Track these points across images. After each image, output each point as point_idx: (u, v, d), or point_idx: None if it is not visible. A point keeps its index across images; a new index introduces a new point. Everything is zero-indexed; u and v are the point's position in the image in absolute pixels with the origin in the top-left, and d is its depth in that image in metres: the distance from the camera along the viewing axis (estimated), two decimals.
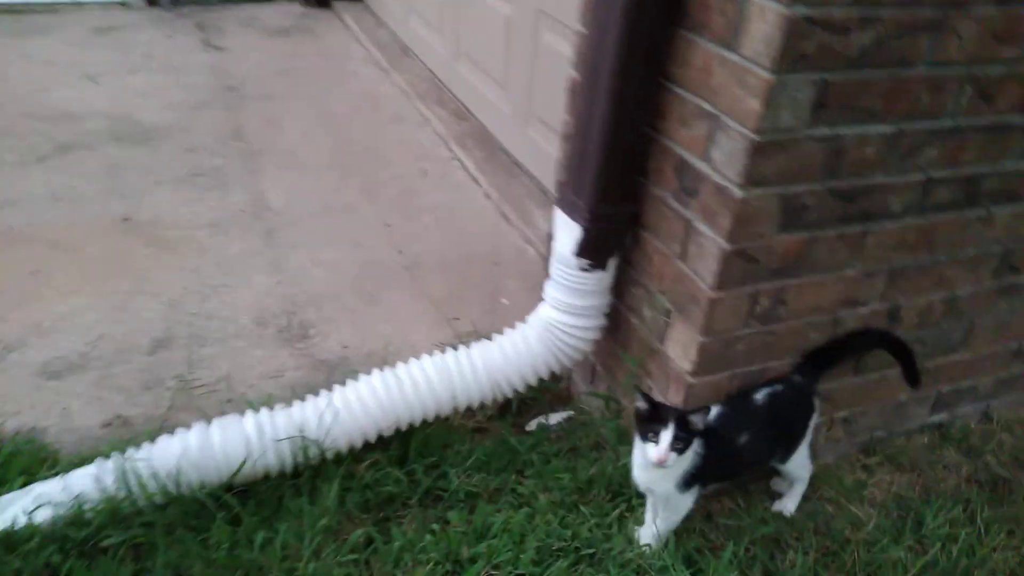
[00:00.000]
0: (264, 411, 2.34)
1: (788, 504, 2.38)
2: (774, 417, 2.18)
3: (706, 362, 2.18)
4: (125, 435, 2.51)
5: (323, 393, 2.41)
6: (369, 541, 2.15)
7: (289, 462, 2.30)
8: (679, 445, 1.92)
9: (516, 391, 2.56)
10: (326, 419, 2.31)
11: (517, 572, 2.02)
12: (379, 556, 2.09)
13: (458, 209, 3.99)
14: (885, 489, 2.54)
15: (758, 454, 2.22)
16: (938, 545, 2.25)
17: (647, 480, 2.08)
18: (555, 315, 2.44)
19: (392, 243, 3.68)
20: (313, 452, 2.31)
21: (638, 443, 2.01)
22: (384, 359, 2.94)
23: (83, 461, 2.25)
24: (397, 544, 2.10)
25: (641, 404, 1.96)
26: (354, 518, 2.23)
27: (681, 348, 2.22)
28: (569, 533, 2.17)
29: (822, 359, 2.31)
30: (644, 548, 2.15)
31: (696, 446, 2.01)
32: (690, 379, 2.21)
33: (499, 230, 3.81)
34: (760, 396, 2.19)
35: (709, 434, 2.05)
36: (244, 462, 2.22)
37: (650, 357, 2.40)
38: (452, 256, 3.61)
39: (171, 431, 2.29)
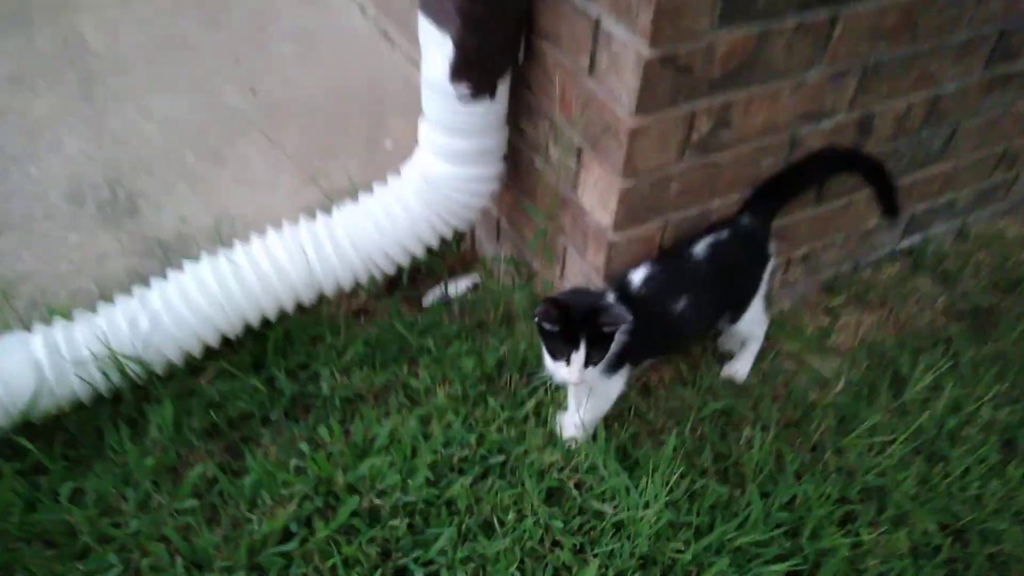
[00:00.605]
0: (59, 324, 1.77)
1: (740, 367, 1.98)
2: (719, 272, 1.71)
3: (630, 211, 1.67)
4: None
5: (143, 290, 1.85)
6: (216, 478, 1.68)
7: (103, 386, 1.77)
8: (596, 358, 1.50)
9: (399, 265, 2.02)
10: (141, 326, 1.76)
11: (407, 500, 1.58)
12: (227, 497, 1.63)
13: (326, 32, 3.23)
14: (852, 333, 2.16)
15: (701, 321, 1.77)
16: (918, 404, 1.89)
17: (564, 375, 1.63)
18: (436, 164, 1.86)
19: (243, 83, 2.95)
20: (134, 370, 1.78)
21: (546, 356, 1.54)
22: (234, 234, 2.35)
23: None
24: (251, 479, 1.64)
25: (546, 324, 1.48)
26: (196, 449, 1.75)
27: (597, 196, 1.70)
28: (474, 438, 1.73)
29: (777, 192, 1.82)
30: (568, 443, 1.74)
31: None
32: (611, 235, 1.70)
33: (380, 54, 3.10)
34: (700, 248, 1.71)
35: (638, 304, 1.58)
36: (34, 395, 1.68)
37: (562, 209, 1.88)
38: (320, 94, 2.92)
39: None
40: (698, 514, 1.62)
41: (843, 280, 2.29)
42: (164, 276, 1.88)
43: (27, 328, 1.81)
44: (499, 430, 1.77)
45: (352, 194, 2.05)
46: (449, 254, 2.36)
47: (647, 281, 1.66)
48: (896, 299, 2.27)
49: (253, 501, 1.63)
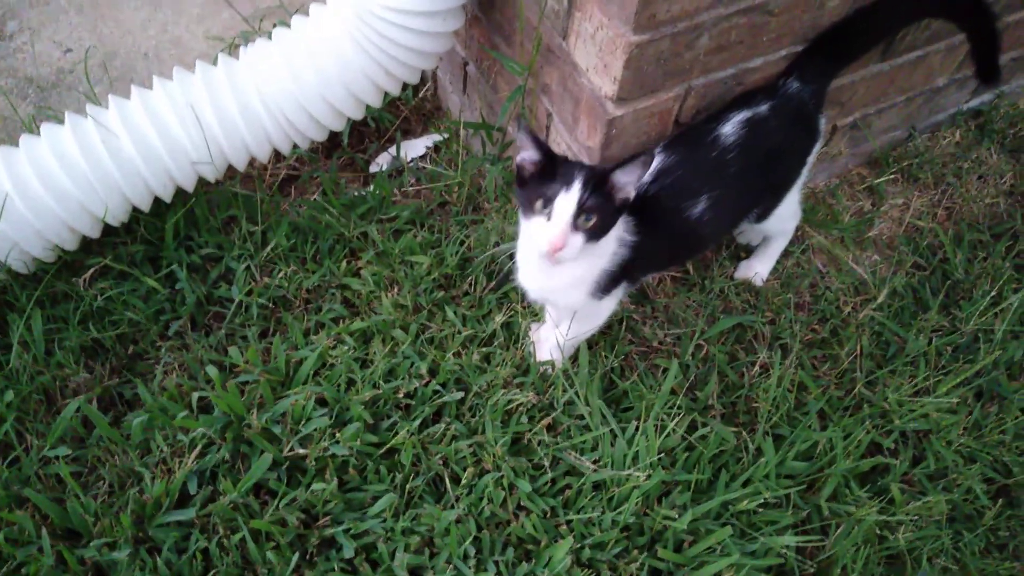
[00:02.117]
0: None
1: (760, 268, 1.63)
2: (754, 159, 1.31)
3: (640, 76, 1.24)
4: None
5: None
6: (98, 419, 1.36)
7: None
8: (592, 222, 1.09)
9: (329, 129, 1.58)
10: None
11: (337, 451, 1.28)
12: (111, 443, 1.32)
13: None
14: (897, 220, 1.78)
15: (725, 223, 1.39)
16: (974, 323, 1.56)
17: (541, 288, 1.27)
18: None
19: None
20: None
21: (523, 222, 1.14)
22: (129, 72, 1.87)
23: None
24: (140, 420, 1.32)
25: (527, 153, 1.10)
26: (72, 378, 1.41)
27: (596, 51, 1.25)
28: (425, 366, 1.40)
29: (842, 46, 1.37)
30: (543, 367, 1.42)
31: (624, 228, 1.19)
32: (612, 108, 1.27)
33: None
34: (731, 127, 1.29)
35: (645, 208, 1.20)
36: None
37: (546, 62, 1.42)
38: None
39: None
40: (697, 467, 1.34)
41: (892, 150, 1.88)
42: (34, 130, 1.44)
43: None
44: (457, 354, 1.44)
45: (282, 19, 1.56)
46: (404, 102, 1.90)
47: (658, 176, 1.25)
48: (952, 176, 1.87)
49: (144, 448, 1.32)
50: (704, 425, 1.38)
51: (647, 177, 1.24)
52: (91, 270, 1.50)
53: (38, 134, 1.43)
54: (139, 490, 1.26)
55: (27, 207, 1.39)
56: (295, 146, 1.58)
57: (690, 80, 1.31)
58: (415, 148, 1.87)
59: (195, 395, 1.37)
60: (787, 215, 1.51)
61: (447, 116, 1.93)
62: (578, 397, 1.38)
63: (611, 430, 1.35)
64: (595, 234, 1.12)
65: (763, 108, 1.32)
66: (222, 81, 1.45)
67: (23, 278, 1.47)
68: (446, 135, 1.86)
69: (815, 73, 1.37)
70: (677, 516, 1.26)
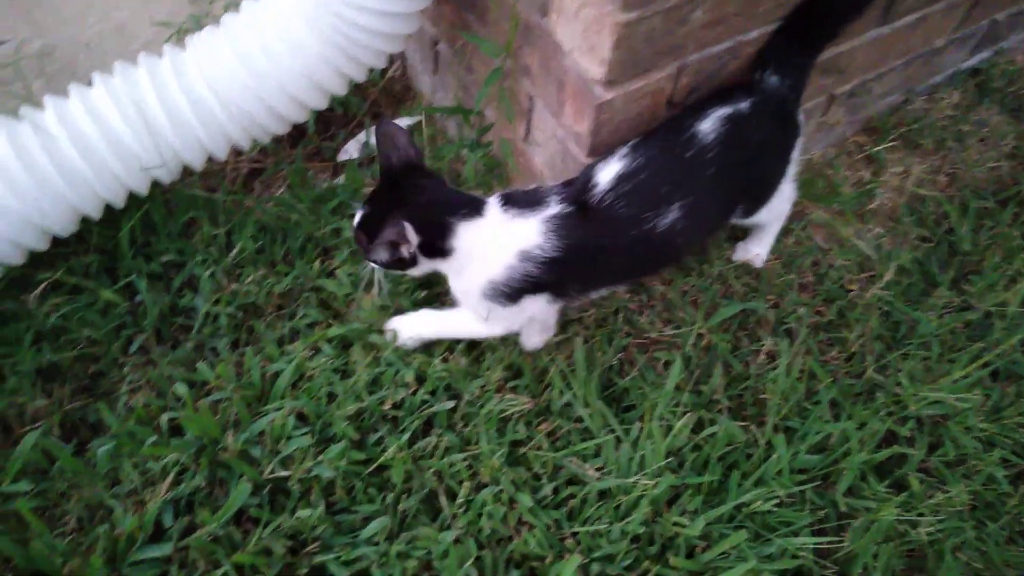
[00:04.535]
0: None
1: (758, 248, 1.58)
2: (735, 159, 1.26)
3: (632, 56, 1.18)
4: None
5: None
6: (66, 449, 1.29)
7: None
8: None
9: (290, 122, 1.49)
10: None
11: (322, 473, 1.22)
12: (75, 475, 1.25)
13: None
14: (898, 189, 1.74)
15: (700, 231, 1.34)
16: (986, 297, 1.53)
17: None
18: None
19: None
20: None
21: None
22: (70, 64, 1.76)
23: None
24: (105, 448, 1.25)
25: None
26: (29, 405, 1.33)
27: (581, 30, 1.18)
28: (411, 373, 1.34)
29: (815, 26, 1.30)
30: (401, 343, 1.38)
31: (531, 242, 1.18)
32: (601, 92, 1.20)
33: None
34: (709, 125, 1.23)
35: (599, 220, 1.19)
36: None
37: (525, 42, 1.34)
38: None
39: None
40: (706, 468, 1.29)
41: (890, 116, 1.83)
42: None
43: None
44: (444, 359, 1.38)
45: (234, 0, 1.46)
46: (372, 84, 1.81)
47: (620, 181, 1.19)
48: (954, 140, 1.83)
49: (113, 478, 1.25)
50: (711, 422, 1.34)
51: (606, 183, 1.19)
52: (41, 286, 1.41)
53: None
54: (109, 525, 1.19)
55: None
56: (254, 140, 1.50)
57: (684, 57, 1.25)
58: None
59: (164, 416, 1.30)
60: (778, 204, 1.46)
61: (418, 98, 1.85)
62: (576, 399, 1.33)
63: (614, 434, 1.30)
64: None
65: (743, 105, 1.26)
66: (169, 75, 1.36)
67: None
68: (419, 118, 1.78)
69: (793, 65, 1.31)
70: (688, 522, 1.22)
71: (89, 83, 1.37)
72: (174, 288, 1.47)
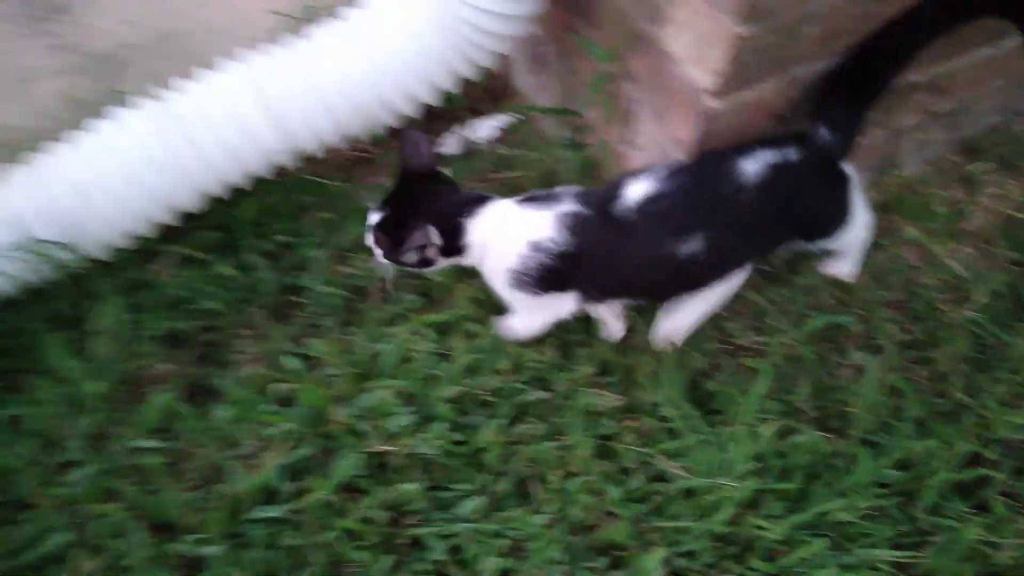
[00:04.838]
0: None
1: (847, 267, 1.60)
2: (774, 205, 1.29)
3: (743, 69, 1.22)
4: None
5: (67, 146, 1.44)
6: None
7: (31, 277, 1.43)
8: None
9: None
10: (65, 201, 1.38)
11: (422, 452, 1.30)
12: (198, 435, 1.35)
13: None
14: (993, 210, 1.74)
15: (724, 262, 1.35)
16: None
17: None
18: None
19: None
20: (65, 258, 1.43)
21: None
22: (193, 48, 1.87)
23: None
24: (225, 414, 1.35)
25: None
26: (158, 361, 1.44)
27: (693, 41, 1.23)
28: (508, 361, 1.41)
29: (863, 81, 1.29)
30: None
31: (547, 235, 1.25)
32: (710, 101, 1.25)
33: None
34: (753, 166, 1.26)
35: (616, 230, 1.25)
36: None
37: (634, 49, 1.39)
38: None
39: None
40: (789, 473, 1.34)
41: (988, 136, 1.83)
42: (99, 109, 1.46)
43: None
44: (539, 351, 1.44)
45: None
46: (471, 82, 1.88)
47: (648, 203, 1.24)
48: None
49: (231, 440, 1.36)
50: (796, 431, 1.38)
51: (634, 200, 1.24)
52: (168, 258, 1.52)
53: (106, 117, 1.45)
54: (228, 484, 1.29)
55: (104, 195, 1.41)
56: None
57: (794, 69, 1.28)
58: (485, 129, 1.86)
59: (277, 387, 1.39)
60: (851, 233, 1.46)
61: (519, 97, 1.91)
62: (664, 399, 1.39)
63: (701, 436, 1.35)
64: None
65: (791, 155, 1.28)
66: (292, 63, 1.45)
67: (102, 266, 1.49)
68: (520, 117, 1.84)
69: (843, 119, 1.30)
70: (770, 526, 1.27)
71: (211, 68, 1.47)
72: (287, 267, 1.56)
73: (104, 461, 1.32)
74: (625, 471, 1.33)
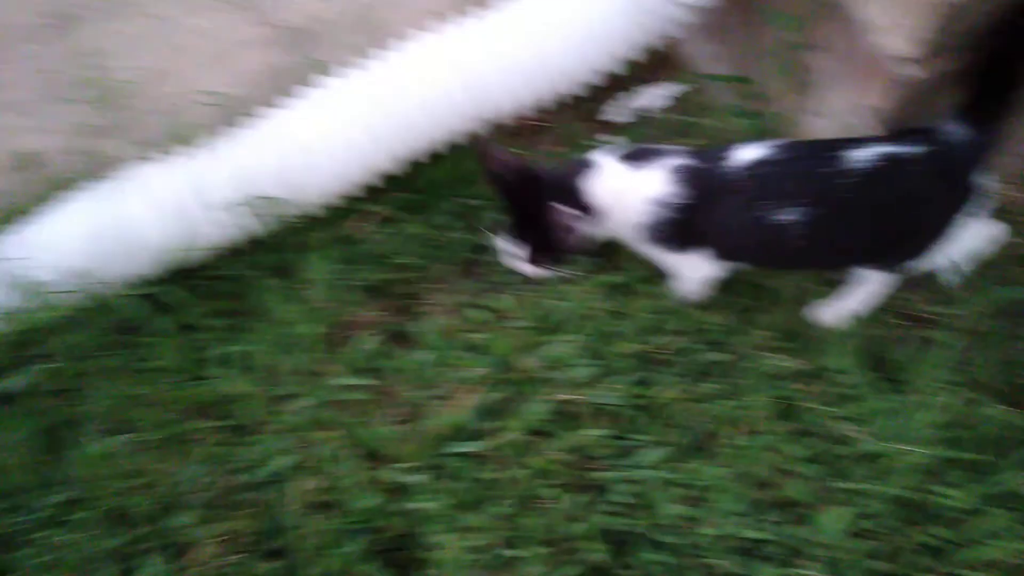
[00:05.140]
0: (200, 155, 1.58)
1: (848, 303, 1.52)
2: (872, 199, 1.28)
3: (942, 36, 1.21)
4: (35, 184, 1.84)
5: (286, 110, 1.60)
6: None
7: (254, 229, 1.61)
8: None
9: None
10: (288, 159, 1.54)
11: (606, 401, 1.39)
12: (400, 375, 1.49)
13: None
14: None
15: (819, 242, 1.34)
16: None
17: None
18: None
19: None
20: (286, 212, 1.60)
21: None
22: (377, 26, 2.01)
23: None
24: (426, 357, 1.49)
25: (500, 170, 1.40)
26: (362, 308, 1.59)
27: (893, 10, 1.23)
28: (687, 323, 1.48)
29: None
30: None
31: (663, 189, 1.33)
32: (906, 68, 1.26)
33: None
34: (865, 154, 1.26)
35: (723, 187, 1.32)
36: (181, 244, 1.54)
37: (823, 17, 1.41)
38: None
39: (92, 176, 1.62)
40: (973, 445, 1.34)
41: None
42: (303, 80, 1.61)
43: (167, 151, 1.63)
44: (718, 312, 1.50)
45: None
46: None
47: (756, 166, 1.29)
48: None
49: (429, 381, 1.49)
50: (981, 404, 1.38)
51: (737, 159, 1.30)
52: (372, 216, 1.67)
53: (318, 86, 1.59)
54: (429, 421, 1.42)
55: (324, 156, 1.56)
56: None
57: None
58: (654, 97, 1.91)
59: (467, 336, 1.51)
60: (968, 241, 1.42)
61: (687, 66, 1.94)
62: (847, 366, 1.41)
63: (883, 403, 1.37)
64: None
65: (912, 150, 1.25)
66: (482, 34, 1.55)
67: (315, 221, 1.65)
68: (688, 86, 1.88)
69: (983, 117, 1.23)
70: (954, 494, 1.29)
71: (402, 40, 1.58)
72: (474, 229, 1.68)
73: (318, 395, 1.47)
74: (805, 433, 1.38)
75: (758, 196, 1.30)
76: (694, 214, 1.34)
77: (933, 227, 1.31)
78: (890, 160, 1.25)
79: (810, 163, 1.30)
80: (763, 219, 1.31)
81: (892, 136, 1.31)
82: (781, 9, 1.52)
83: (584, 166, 1.43)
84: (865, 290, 1.46)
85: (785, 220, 1.29)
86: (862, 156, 1.25)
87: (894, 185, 1.26)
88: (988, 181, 1.31)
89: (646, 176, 1.37)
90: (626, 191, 1.39)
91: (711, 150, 1.40)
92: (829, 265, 1.49)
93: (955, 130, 1.25)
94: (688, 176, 1.34)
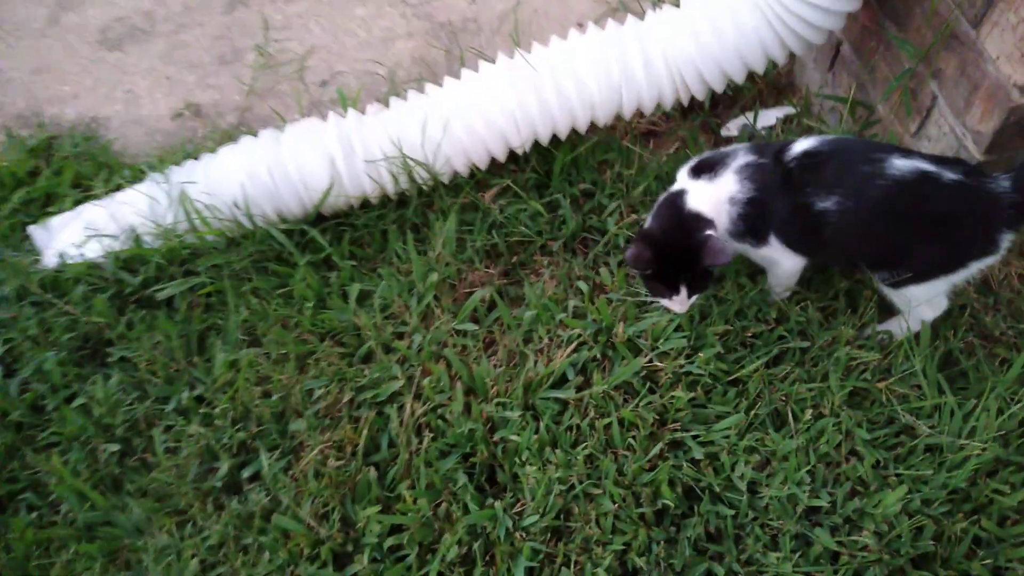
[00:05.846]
0: (352, 119, 1.83)
1: (897, 325, 1.63)
2: (897, 206, 1.40)
3: None
4: (198, 131, 2.14)
5: (432, 89, 1.83)
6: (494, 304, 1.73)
7: (391, 188, 1.84)
8: (701, 288, 1.52)
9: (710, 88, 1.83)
10: (432, 132, 1.76)
11: (691, 370, 1.55)
12: (506, 328, 1.68)
13: None
14: None
15: (849, 235, 1.45)
16: None
17: (670, 308, 1.60)
18: None
19: None
20: (421, 176, 1.82)
21: None
22: (524, 25, 2.25)
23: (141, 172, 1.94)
24: (529, 314, 1.67)
25: (637, 269, 1.49)
26: (476, 269, 1.79)
27: (1015, 42, 1.37)
28: (773, 312, 1.63)
29: None
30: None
31: (731, 191, 1.49)
32: (1018, 96, 1.39)
33: None
34: (905, 164, 1.38)
35: (782, 176, 1.44)
36: (328, 191, 1.78)
37: (946, 49, 1.55)
38: None
39: (249, 130, 1.88)
40: None
41: None
42: (449, 69, 1.84)
43: (321, 114, 1.88)
44: (802, 307, 1.64)
45: None
46: (758, 76, 2.10)
47: (804, 156, 1.43)
48: None
49: (529, 337, 1.67)
50: None
51: (794, 150, 1.44)
52: (494, 189, 1.88)
53: (467, 71, 1.82)
54: (527, 368, 1.60)
55: (463, 130, 1.78)
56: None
57: None
58: (767, 118, 2.07)
59: (570, 303, 1.69)
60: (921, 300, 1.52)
61: (801, 91, 2.10)
62: (918, 367, 1.53)
63: (951, 406, 1.48)
64: (706, 287, 1.53)
65: (951, 176, 1.36)
66: (632, 38, 1.74)
67: (446, 186, 1.87)
68: (798, 108, 2.04)
69: None
70: (1009, 491, 1.39)
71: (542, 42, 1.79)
72: (584, 211, 1.87)
73: (432, 336, 1.67)
74: (873, 421, 1.50)
75: (803, 184, 1.43)
76: (760, 207, 1.47)
77: (940, 253, 1.43)
78: (922, 176, 1.37)
79: (854, 157, 1.42)
80: (807, 208, 1.43)
81: (937, 158, 1.42)
82: (905, 34, 1.66)
83: (680, 194, 1.51)
84: (924, 310, 1.56)
85: (821, 207, 1.41)
86: (901, 165, 1.38)
87: (918, 199, 1.38)
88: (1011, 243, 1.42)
89: (720, 180, 1.50)
90: (710, 199, 1.50)
91: (771, 144, 1.52)
92: (846, 260, 1.60)
93: (1002, 183, 1.37)
94: (751, 172, 1.47)
